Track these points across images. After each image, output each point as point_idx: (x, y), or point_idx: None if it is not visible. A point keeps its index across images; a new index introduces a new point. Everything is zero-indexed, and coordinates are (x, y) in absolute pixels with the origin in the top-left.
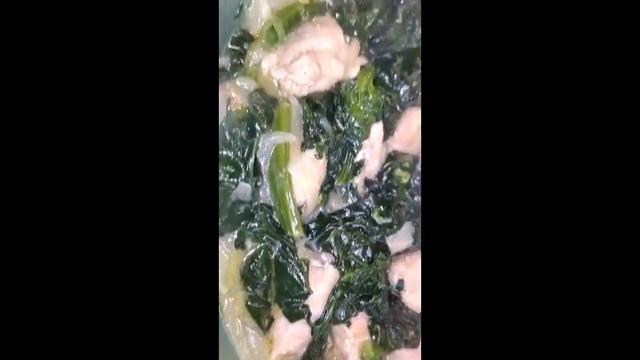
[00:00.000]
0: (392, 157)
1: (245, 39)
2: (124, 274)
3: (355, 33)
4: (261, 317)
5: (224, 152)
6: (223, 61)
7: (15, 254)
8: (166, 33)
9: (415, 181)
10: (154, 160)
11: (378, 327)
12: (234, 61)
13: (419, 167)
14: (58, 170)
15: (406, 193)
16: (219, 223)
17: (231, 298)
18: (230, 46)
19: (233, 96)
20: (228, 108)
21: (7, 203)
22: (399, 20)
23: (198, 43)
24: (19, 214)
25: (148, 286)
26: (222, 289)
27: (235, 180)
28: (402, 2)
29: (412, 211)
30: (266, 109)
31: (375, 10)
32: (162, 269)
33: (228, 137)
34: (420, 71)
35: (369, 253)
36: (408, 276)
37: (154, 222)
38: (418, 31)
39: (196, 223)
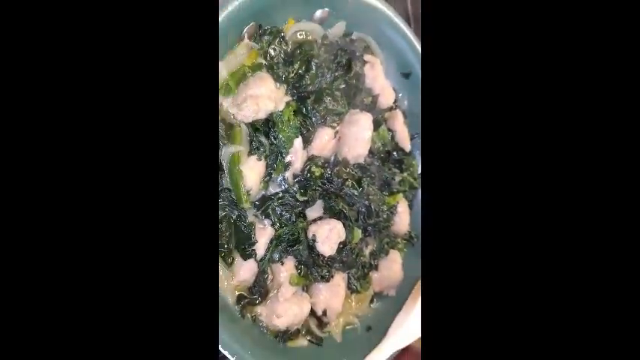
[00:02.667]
0: (310, 159)
1: None
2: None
3: (283, 79)
4: (225, 257)
5: None
6: None
7: (6, 257)
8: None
9: (326, 174)
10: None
11: (302, 266)
12: None
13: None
14: (53, 175)
15: (319, 182)
16: None
17: None
18: None
19: None
20: None
21: (2, 200)
22: (312, 71)
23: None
24: (7, 213)
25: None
26: None
27: None
28: (314, 59)
29: (324, 192)
30: (225, 131)
31: (296, 65)
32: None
33: None
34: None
35: (293, 218)
36: (318, 233)
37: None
38: (326, 77)
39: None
